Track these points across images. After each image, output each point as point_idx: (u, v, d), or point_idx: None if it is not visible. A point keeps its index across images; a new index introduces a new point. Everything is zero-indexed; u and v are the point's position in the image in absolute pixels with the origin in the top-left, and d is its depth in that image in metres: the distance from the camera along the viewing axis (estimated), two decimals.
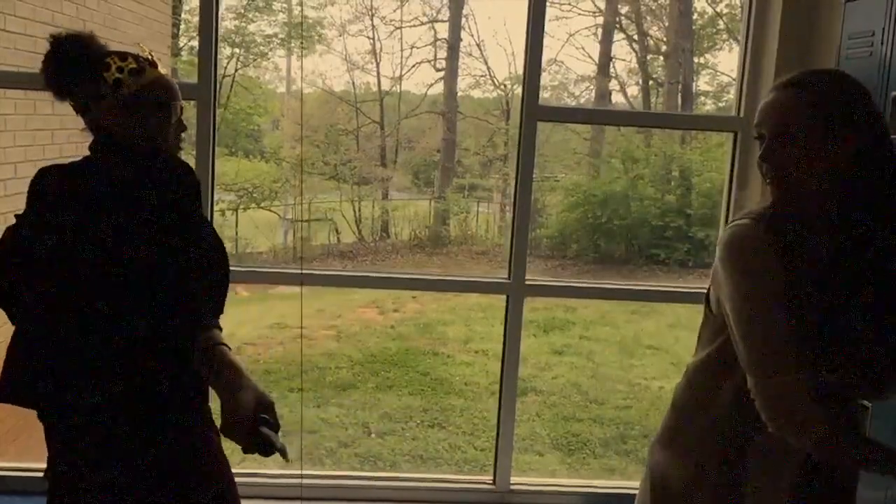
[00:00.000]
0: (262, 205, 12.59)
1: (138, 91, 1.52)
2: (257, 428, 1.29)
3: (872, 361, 1.41)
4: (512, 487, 3.05)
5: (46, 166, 1.51)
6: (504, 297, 3.01)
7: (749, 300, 1.36)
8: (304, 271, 2.64)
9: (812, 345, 1.37)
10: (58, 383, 1.42)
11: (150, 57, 1.56)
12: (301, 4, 12.73)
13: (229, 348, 1.40)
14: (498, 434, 3.06)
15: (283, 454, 1.28)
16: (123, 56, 1.53)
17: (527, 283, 2.95)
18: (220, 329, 1.46)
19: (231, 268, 1.57)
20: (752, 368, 1.35)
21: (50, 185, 1.47)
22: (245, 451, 1.30)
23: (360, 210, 12.93)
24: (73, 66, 1.51)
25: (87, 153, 1.56)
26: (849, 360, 1.41)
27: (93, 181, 1.45)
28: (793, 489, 1.49)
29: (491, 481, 3.06)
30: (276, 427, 1.31)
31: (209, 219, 2.82)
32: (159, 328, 1.40)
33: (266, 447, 1.29)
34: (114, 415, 1.43)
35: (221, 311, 1.54)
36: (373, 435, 5.85)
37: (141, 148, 1.51)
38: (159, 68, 1.56)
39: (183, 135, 1.61)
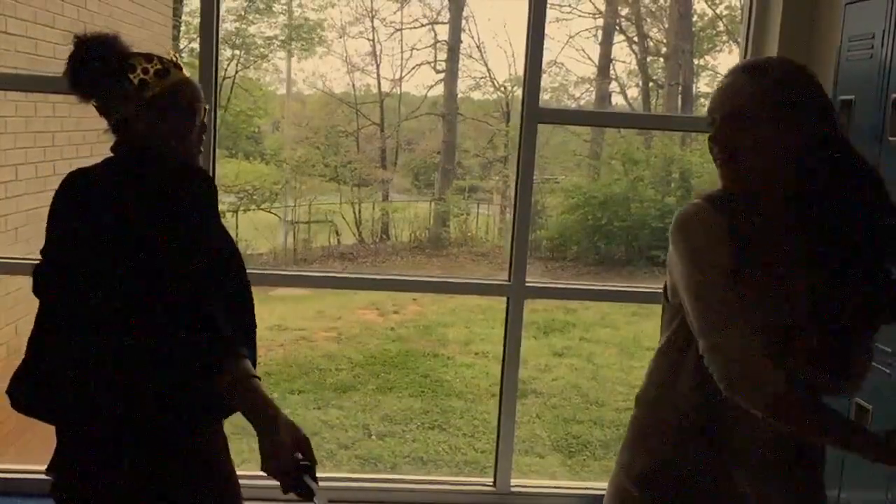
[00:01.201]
0: (263, 206, 12.60)
1: (163, 92, 1.51)
2: (299, 473, 1.32)
3: (836, 343, 1.43)
4: (512, 489, 3.05)
5: (74, 173, 1.50)
6: (504, 299, 3.01)
7: (699, 271, 1.39)
8: (304, 272, 2.64)
9: (762, 323, 1.38)
10: (77, 394, 1.42)
11: (175, 59, 1.56)
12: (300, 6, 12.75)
13: (259, 379, 1.38)
14: (498, 436, 3.06)
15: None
16: (149, 57, 1.52)
17: (527, 284, 2.95)
18: (247, 357, 1.42)
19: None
20: (703, 333, 1.37)
21: (76, 194, 1.46)
22: (284, 492, 1.33)
23: (360, 212, 12.93)
24: (98, 66, 1.50)
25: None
26: (806, 344, 1.42)
27: (114, 190, 1.43)
28: (760, 470, 1.49)
29: (491, 483, 3.06)
30: (313, 465, 1.35)
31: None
32: (170, 343, 1.37)
33: (306, 492, 1.32)
34: (120, 432, 1.43)
35: (252, 340, 1.51)
36: (373, 437, 5.85)
37: (164, 152, 1.50)
38: (183, 71, 1.56)
39: (204, 136, 1.61)
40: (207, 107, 1.62)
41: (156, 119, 1.51)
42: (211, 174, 2.82)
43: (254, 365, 1.45)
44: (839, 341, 1.42)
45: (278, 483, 1.32)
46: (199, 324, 1.35)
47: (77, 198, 1.46)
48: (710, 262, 1.38)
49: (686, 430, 1.48)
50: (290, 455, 1.32)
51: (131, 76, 1.50)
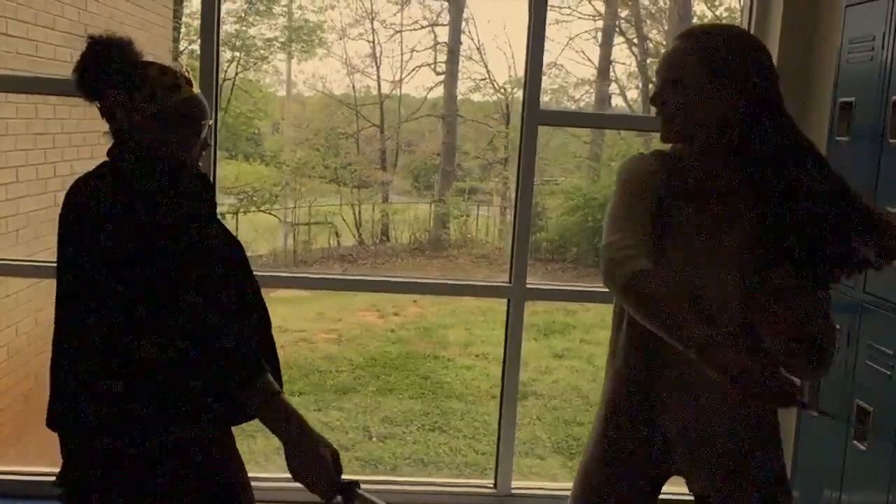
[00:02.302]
0: (262, 208, 12.60)
1: (172, 107, 1.51)
2: (340, 485, 1.44)
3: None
4: (513, 491, 3.04)
5: (77, 183, 1.49)
6: (505, 300, 3.01)
7: (617, 195, 1.49)
8: (304, 274, 2.64)
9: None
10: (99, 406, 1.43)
11: (186, 74, 1.56)
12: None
13: (282, 392, 1.44)
14: (499, 437, 3.06)
15: None
16: (163, 69, 1.52)
17: (528, 286, 2.95)
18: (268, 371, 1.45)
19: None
20: (603, 243, 1.44)
21: (86, 206, 1.46)
22: (325, 500, 1.43)
23: (360, 213, 12.93)
24: (111, 70, 1.49)
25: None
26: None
27: (124, 198, 1.43)
28: (702, 421, 1.53)
29: (492, 485, 3.06)
30: (340, 473, 1.47)
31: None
32: (194, 359, 1.38)
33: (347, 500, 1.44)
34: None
35: (272, 350, 1.54)
36: (374, 438, 5.85)
37: (164, 159, 1.50)
38: (194, 86, 1.56)
39: (204, 152, 1.61)
40: (212, 122, 1.62)
41: (160, 132, 1.50)
42: (212, 175, 2.82)
43: (279, 373, 1.49)
44: (768, 304, 1.46)
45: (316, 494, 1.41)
46: (221, 338, 1.36)
47: (82, 211, 1.45)
48: (630, 191, 1.47)
49: (623, 376, 1.61)
50: (332, 471, 1.43)
51: (143, 86, 1.49)
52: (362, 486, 1.46)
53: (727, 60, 1.44)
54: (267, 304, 1.58)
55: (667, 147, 1.57)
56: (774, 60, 2.89)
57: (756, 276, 1.47)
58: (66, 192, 1.49)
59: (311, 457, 1.41)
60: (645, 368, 1.57)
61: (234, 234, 1.62)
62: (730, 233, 1.49)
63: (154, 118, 1.50)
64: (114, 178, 1.47)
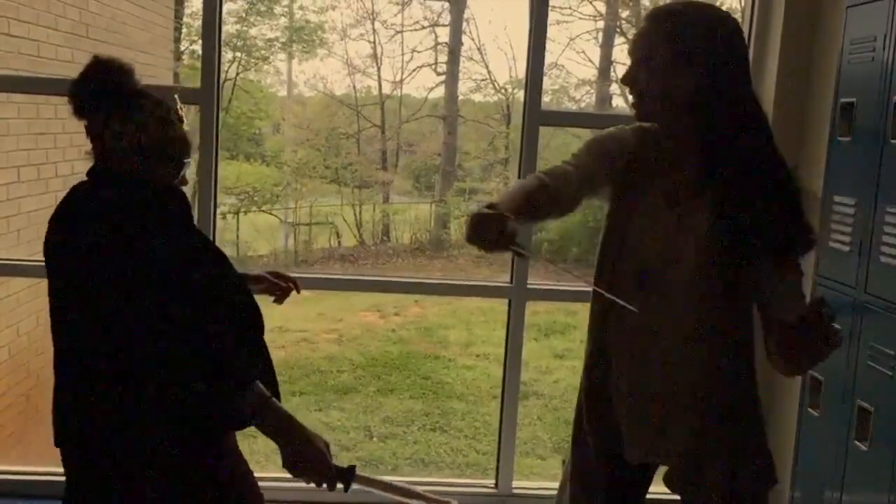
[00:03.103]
0: (263, 208, 12.60)
1: (160, 142, 1.52)
2: (338, 472, 1.48)
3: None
4: (514, 491, 3.04)
5: (57, 212, 1.51)
6: (506, 301, 3.01)
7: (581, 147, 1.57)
8: (305, 274, 2.64)
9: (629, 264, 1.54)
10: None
11: (180, 112, 1.58)
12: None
13: (272, 397, 1.45)
14: (500, 438, 3.06)
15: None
16: (158, 102, 1.54)
17: (528, 286, 2.95)
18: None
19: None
20: None
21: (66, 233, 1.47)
22: (330, 487, 1.48)
23: (360, 213, 12.93)
24: (107, 91, 1.51)
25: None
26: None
27: (111, 223, 1.44)
28: (659, 390, 1.56)
29: (493, 485, 3.06)
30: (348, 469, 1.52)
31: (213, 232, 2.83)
32: (185, 372, 1.38)
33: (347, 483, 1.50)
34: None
35: (259, 347, 1.54)
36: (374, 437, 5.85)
37: (144, 187, 1.51)
38: (185, 125, 1.58)
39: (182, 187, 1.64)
40: (195, 159, 1.64)
41: (144, 164, 1.52)
42: (214, 175, 2.83)
43: (273, 376, 1.49)
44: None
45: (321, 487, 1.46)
46: (210, 352, 1.37)
47: (67, 235, 1.47)
48: (589, 149, 1.56)
49: (591, 354, 1.65)
50: (329, 460, 1.46)
51: (136, 115, 1.51)
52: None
53: (690, 40, 1.47)
54: (264, 306, 1.58)
55: (647, 124, 1.60)
56: (776, 62, 2.89)
57: (715, 251, 1.48)
58: (51, 218, 1.51)
59: (307, 450, 1.44)
60: (599, 354, 1.62)
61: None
62: (692, 207, 1.51)
63: (141, 148, 1.51)
64: (98, 204, 1.48)
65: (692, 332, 1.52)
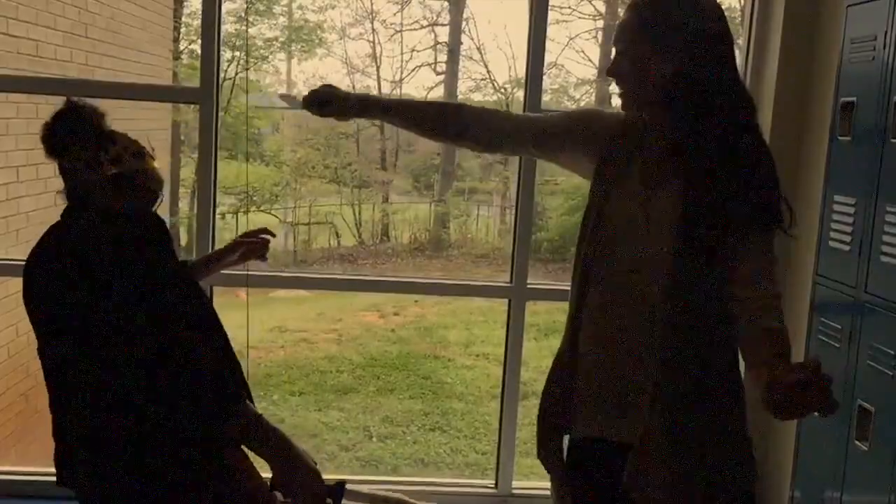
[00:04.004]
0: (262, 208, 12.59)
1: (136, 171, 1.60)
2: (328, 489, 1.48)
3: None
4: (514, 491, 3.04)
5: (38, 247, 1.56)
6: (506, 300, 3.01)
7: None
8: (304, 274, 2.64)
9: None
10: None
11: (150, 151, 1.65)
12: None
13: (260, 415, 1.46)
14: (500, 438, 3.06)
15: None
16: (129, 138, 1.61)
17: (528, 286, 2.95)
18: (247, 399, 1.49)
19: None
20: None
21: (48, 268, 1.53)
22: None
23: (360, 213, 12.92)
24: (81, 129, 1.56)
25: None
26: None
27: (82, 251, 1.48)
28: (623, 372, 1.54)
29: (493, 485, 3.06)
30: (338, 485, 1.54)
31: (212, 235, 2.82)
32: (170, 397, 1.40)
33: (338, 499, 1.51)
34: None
35: (231, 359, 1.55)
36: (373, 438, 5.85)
37: (119, 220, 1.54)
38: (155, 162, 1.65)
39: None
40: (164, 196, 1.70)
41: (118, 193, 1.57)
42: (213, 175, 2.82)
43: (246, 387, 1.51)
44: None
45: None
46: (195, 375, 1.38)
47: (48, 277, 1.54)
48: (575, 111, 1.60)
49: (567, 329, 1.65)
50: (323, 482, 1.45)
51: (110, 147, 1.57)
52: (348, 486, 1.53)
53: (668, 27, 1.47)
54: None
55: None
56: (776, 62, 2.89)
57: (686, 230, 1.47)
58: (28, 261, 1.58)
59: (300, 469, 1.43)
60: (572, 331, 1.62)
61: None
62: (667, 187, 1.51)
63: (117, 180, 1.56)
64: (76, 238, 1.51)
65: (662, 313, 1.49)
